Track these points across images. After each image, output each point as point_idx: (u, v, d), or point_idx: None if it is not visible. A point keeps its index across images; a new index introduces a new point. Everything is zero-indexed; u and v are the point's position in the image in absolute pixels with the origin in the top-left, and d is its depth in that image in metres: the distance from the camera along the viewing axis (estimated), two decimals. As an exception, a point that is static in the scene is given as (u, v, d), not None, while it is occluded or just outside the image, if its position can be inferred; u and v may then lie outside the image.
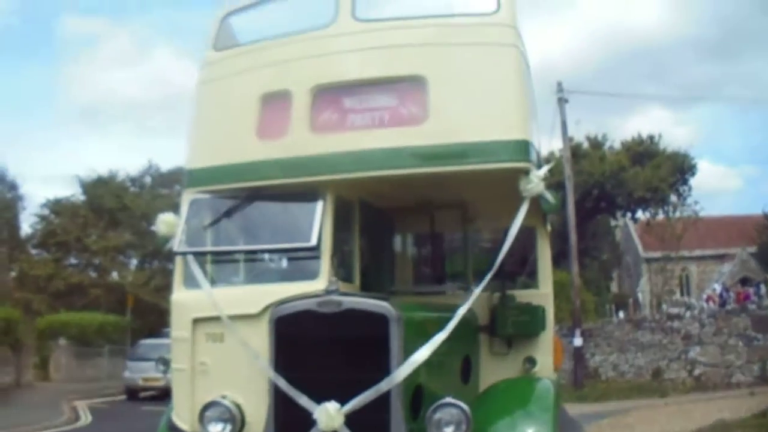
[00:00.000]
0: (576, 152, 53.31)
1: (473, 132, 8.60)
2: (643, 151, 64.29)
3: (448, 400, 7.93)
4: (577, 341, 35.89)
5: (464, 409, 7.84)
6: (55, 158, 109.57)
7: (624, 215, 70.19)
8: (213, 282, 9.36)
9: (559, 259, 34.18)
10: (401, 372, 7.80)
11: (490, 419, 8.41)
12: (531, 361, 10.02)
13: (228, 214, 9.31)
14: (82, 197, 56.46)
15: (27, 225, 56.95)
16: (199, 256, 9.43)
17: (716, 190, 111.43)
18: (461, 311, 8.26)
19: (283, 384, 8.09)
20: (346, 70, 9.09)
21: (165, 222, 9.46)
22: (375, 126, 8.90)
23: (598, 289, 61.61)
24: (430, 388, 8.41)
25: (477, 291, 8.50)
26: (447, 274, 11.59)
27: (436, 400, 8.01)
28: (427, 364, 8.25)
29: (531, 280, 10.70)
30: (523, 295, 10.15)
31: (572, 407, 11.98)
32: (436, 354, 8.32)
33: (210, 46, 9.93)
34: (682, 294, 74.99)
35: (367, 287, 9.44)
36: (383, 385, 7.75)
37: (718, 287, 66.90)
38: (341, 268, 8.97)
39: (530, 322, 9.96)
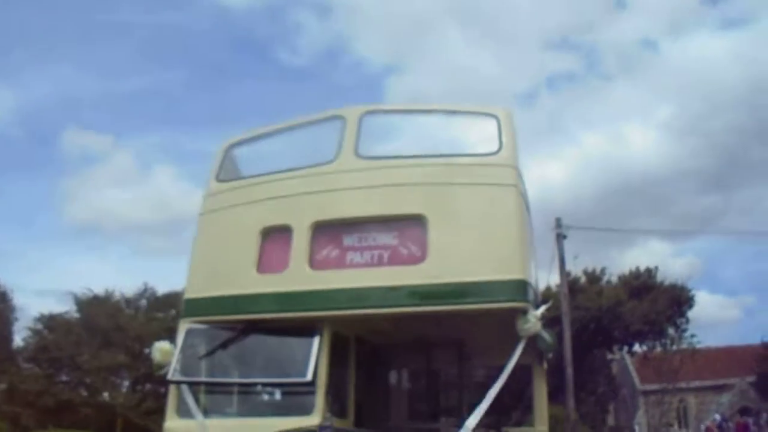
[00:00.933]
0: (573, 287, 53.26)
1: (472, 271, 8.64)
2: (640, 285, 64.13)
3: None
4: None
5: None
6: (51, 273, 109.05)
7: (621, 348, 69.83)
8: (206, 412, 9.26)
9: (556, 393, 33.96)
10: None
11: None
12: None
13: (224, 345, 9.26)
14: (76, 315, 56.18)
15: (19, 338, 56.68)
16: (194, 385, 9.36)
17: (715, 320, 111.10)
18: None
19: None
20: (347, 207, 9.18)
21: (160, 350, 9.44)
22: (374, 264, 8.96)
23: (595, 423, 61.03)
24: None
25: (471, 423, 8.42)
26: (442, 409, 11.49)
27: None
28: None
29: (526, 417, 10.58)
30: None
31: None
32: None
33: (213, 177, 10.03)
34: (680, 426, 74.39)
35: (362, 422, 9.40)
36: None
37: (717, 417, 66.45)
38: (336, 403, 8.91)
39: None
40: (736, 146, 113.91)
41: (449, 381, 11.80)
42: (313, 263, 9.04)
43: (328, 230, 9.16)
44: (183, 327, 9.50)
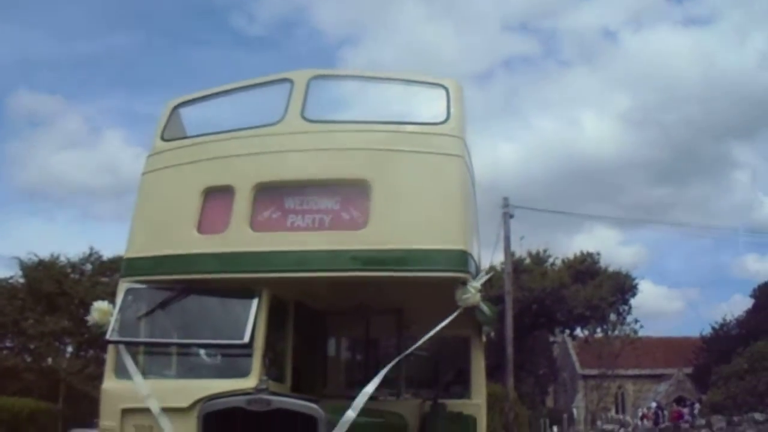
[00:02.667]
0: (518, 267, 53.49)
1: (413, 239, 8.68)
2: (584, 269, 64.58)
3: None
4: (512, 454, 35.58)
5: None
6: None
7: (562, 332, 70.32)
8: (145, 373, 9.25)
9: (495, 371, 34.13)
10: None
11: None
12: None
13: (163, 305, 9.23)
14: (21, 280, 55.75)
15: (-39, 304, 56.23)
16: (132, 346, 9.36)
17: (657, 311, 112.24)
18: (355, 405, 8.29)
19: None
20: (290, 169, 9.18)
21: (99, 310, 9.41)
22: (315, 228, 8.97)
23: (533, 403, 61.40)
24: None
25: (369, 389, 8.53)
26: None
27: None
28: None
29: (463, 390, 10.63)
30: (455, 405, 10.09)
31: None
32: None
33: (158, 136, 9.98)
34: (617, 411, 75.12)
35: (299, 388, 9.43)
36: None
37: (653, 404, 67.30)
38: (273, 367, 8.96)
39: (461, 430, 9.90)
40: (689, 141, 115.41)
41: (388, 350, 11.82)
42: (254, 225, 9.04)
43: (270, 192, 9.16)
44: (122, 287, 9.48)
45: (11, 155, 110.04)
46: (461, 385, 10.72)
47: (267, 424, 8.02)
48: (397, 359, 8.64)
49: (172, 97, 10.23)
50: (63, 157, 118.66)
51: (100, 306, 9.42)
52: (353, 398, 10.30)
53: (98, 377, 43.57)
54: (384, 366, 11.50)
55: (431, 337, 8.90)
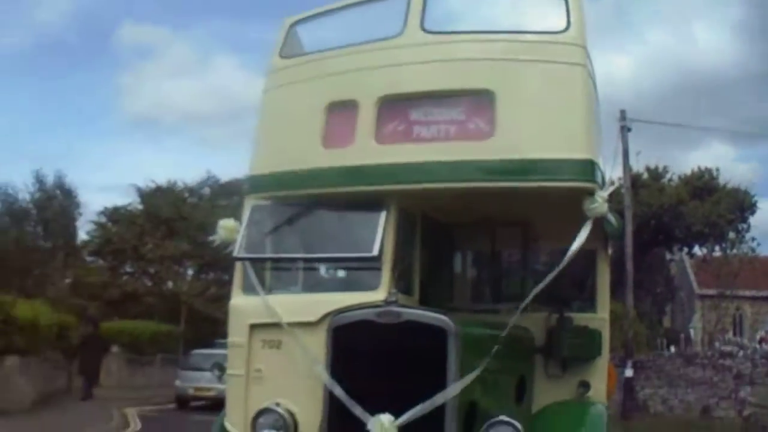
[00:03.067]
0: (635, 182, 52.70)
1: (539, 149, 8.51)
2: (702, 186, 63.61)
3: (502, 418, 7.86)
4: (628, 372, 35.20)
5: (518, 428, 7.78)
6: (112, 168, 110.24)
7: (681, 249, 69.45)
8: (272, 289, 9.39)
9: (614, 289, 33.72)
10: (457, 386, 7.74)
11: None
12: (585, 386, 9.79)
13: (289, 221, 9.31)
14: (139, 206, 56.74)
15: (83, 232, 57.37)
16: (259, 262, 9.46)
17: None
18: (512, 322, 8.22)
19: (339, 392, 8.06)
20: (413, 81, 9.04)
21: (225, 227, 9.46)
22: (440, 139, 8.84)
23: (651, 323, 61.01)
24: (484, 405, 8.32)
25: (525, 303, 8.48)
26: (504, 293, 11.46)
27: (489, 418, 7.94)
28: (482, 381, 8.21)
29: (588, 304, 10.52)
30: (580, 319, 9.95)
31: (619, 438, 11.85)
32: (491, 371, 8.28)
33: (276, 54, 9.94)
34: (734, 334, 73.95)
35: (425, 302, 9.38)
36: (438, 399, 7.70)
37: (772, 328, 66.08)
38: (401, 280, 8.89)
39: (586, 345, 9.80)
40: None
41: (513, 264, 11.74)
42: (379, 138, 8.95)
43: (394, 105, 9.04)
44: (248, 204, 9.53)
45: (123, 87, 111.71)
46: (586, 299, 10.60)
47: (396, 337, 8.00)
48: (553, 274, 8.40)
49: (280, 19, 10.17)
50: (174, 86, 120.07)
51: (226, 224, 9.46)
52: (478, 311, 10.28)
53: (219, 299, 44.62)
54: (509, 280, 11.46)
55: (555, 251, 8.80)
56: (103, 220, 56.74)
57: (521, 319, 8.56)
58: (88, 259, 57.58)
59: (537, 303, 8.87)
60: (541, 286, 8.44)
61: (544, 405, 9.61)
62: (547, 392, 9.77)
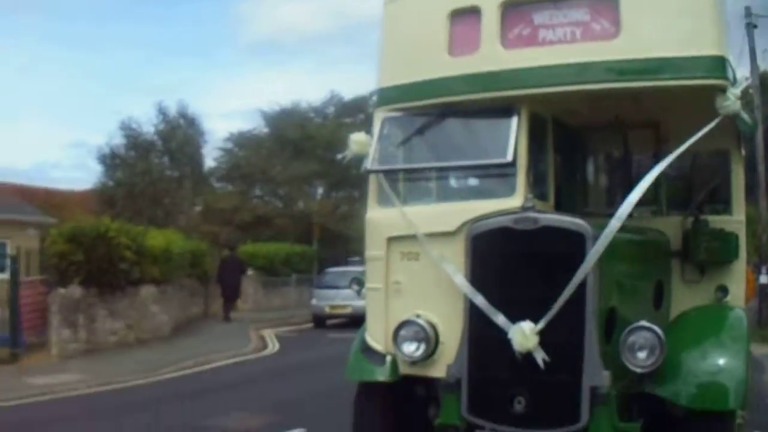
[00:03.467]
0: (764, 82, 51.30)
1: (668, 47, 8.24)
2: (833, 81, 61.75)
3: (643, 323, 7.78)
4: (763, 278, 34.26)
5: (659, 333, 7.68)
6: (235, 95, 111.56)
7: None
8: (406, 200, 9.34)
9: (746, 192, 32.60)
10: (595, 287, 7.68)
11: (681, 346, 8.11)
12: (723, 290, 9.53)
13: (420, 131, 9.22)
14: (265, 130, 57.23)
15: (210, 159, 58.10)
16: (392, 174, 9.43)
17: None
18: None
19: (480, 302, 8.04)
20: None
21: (357, 141, 9.42)
22: (567, 41, 8.63)
23: (783, 228, 59.76)
24: (622, 311, 8.25)
25: (633, 198, 8.20)
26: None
27: (628, 324, 7.87)
28: (620, 286, 8.22)
29: (724, 206, 10.27)
30: (716, 221, 9.69)
31: (755, 347, 11.56)
32: (629, 276, 8.32)
33: None
34: None
35: (559, 207, 9.27)
36: (566, 292, 7.63)
37: None
38: (535, 186, 8.77)
39: (723, 248, 9.53)
40: None
41: (645, 166, 11.54)
42: (505, 43, 8.78)
43: (517, 9, 8.83)
44: (378, 117, 9.47)
45: (241, 14, 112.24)
46: (721, 201, 10.37)
47: (534, 243, 7.95)
48: (663, 163, 8.26)
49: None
50: (292, 8, 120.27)
51: (357, 138, 9.42)
52: (612, 216, 10.15)
53: (350, 217, 45.00)
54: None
55: (688, 153, 8.58)
56: (230, 145, 57.43)
57: (656, 223, 8.45)
58: (217, 185, 58.49)
59: (671, 207, 8.68)
60: (653, 174, 8.29)
61: (681, 311, 9.41)
62: (684, 297, 9.58)
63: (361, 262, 13.14)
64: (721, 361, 8.07)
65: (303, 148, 53.42)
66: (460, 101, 8.94)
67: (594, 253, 7.70)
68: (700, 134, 8.14)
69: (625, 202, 8.12)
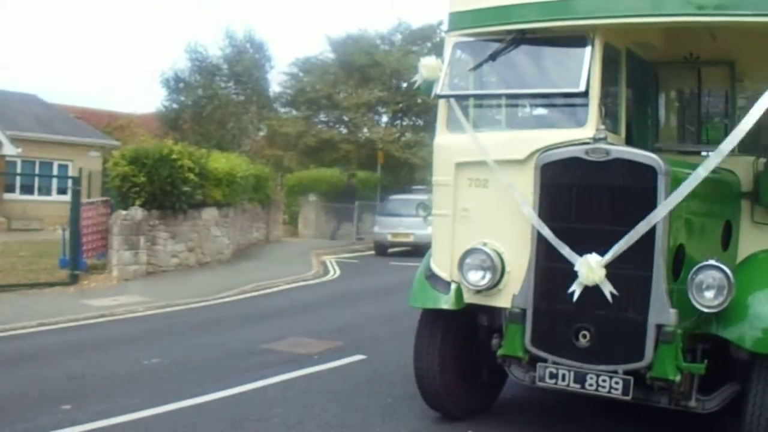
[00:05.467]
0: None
1: None
2: None
3: (712, 262, 7.62)
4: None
5: (728, 273, 7.53)
6: (302, 19, 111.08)
7: None
8: (477, 127, 9.21)
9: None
10: (656, 215, 7.54)
11: (748, 289, 7.91)
12: None
13: (492, 57, 8.97)
14: (331, 55, 57.02)
15: (276, 84, 58.03)
16: (462, 100, 9.28)
17: None
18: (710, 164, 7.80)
19: (546, 233, 7.98)
20: None
21: (427, 66, 9.27)
22: None
23: None
24: (690, 249, 8.13)
25: (724, 148, 7.81)
26: (709, 135, 11.06)
27: (696, 263, 7.73)
28: (689, 224, 8.10)
29: None
30: None
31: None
32: (698, 214, 8.18)
33: None
34: None
35: (630, 141, 9.16)
36: (641, 227, 7.54)
37: None
38: (607, 118, 8.60)
39: None
40: None
41: (718, 104, 11.31)
42: None
43: None
44: (449, 42, 9.31)
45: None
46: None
47: (604, 175, 7.83)
48: (763, 103, 7.94)
49: None
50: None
51: (428, 62, 9.27)
52: (684, 153, 9.93)
53: (414, 145, 45.01)
54: (713, 123, 11.03)
55: (758, 93, 8.36)
56: (295, 70, 57.29)
57: (727, 162, 8.22)
58: (282, 110, 58.41)
59: (741, 148, 8.47)
60: (749, 123, 7.82)
61: (750, 253, 9.17)
62: (753, 239, 9.32)
63: (425, 191, 13.03)
64: None
65: (369, 75, 53.07)
66: (534, 28, 8.75)
67: (683, 188, 7.60)
68: None
69: (726, 141, 7.83)
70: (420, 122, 53.71)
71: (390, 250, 36.08)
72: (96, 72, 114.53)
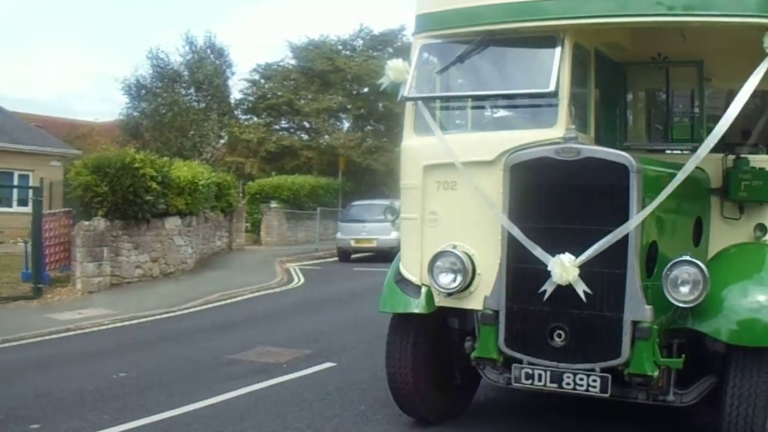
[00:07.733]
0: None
1: None
2: None
3: (687, 258, 7.65)
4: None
5: (703, 268, 7.57)
6: (262, 26, 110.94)
7: None
8: (444, 129, 9.17)
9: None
10: (637, 218, 7.55)
11: (722, 283, 7.97)
12: (762, 229, 9.36)
13: (460, 59, 8.92)
14: (292, 61, 57.01)
15: (236, 91, 57.98)
16: (430, 102, 9.21)
17: None
18: (689, 165, 7.80)
19: (517, 233, 7.92)
20: None
21: (394, 68, 9.18)
22: None
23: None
24: (663, 246, 8.16)
25: (701, 153, 7.87)
26: (677, 135, 11.10)
27: (668, 260, 7.77)
28: (661, 222, 8.11)
29: (765, 145, 10.13)
30: (757, 160, 9.51)
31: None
32: (669, 212, 8.18)
33: None
34: None
35: (599, 141, 9.16)
36: (619, 233, 7.51)
37: None
38: (577, 118, 8.57)
39: (764, 187, 9.27)
40: None
41: (685, 105, 11.37)
42: None
43: None
44: (416, 44, 9.25)
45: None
46: (762, 140, 10.20)
47: (575, 175, 7.79)
48: (739, 101, 7.83)
49: None
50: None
51: (395, 64, 9.18)
52: (653, 151, 9.96)
53: (376, 150, 45.02)
54: (682, 121, 11.07)
55: (731, 91, 8.41)
56: (256, 77, 57.20)
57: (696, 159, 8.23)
58: (243, 117, 58.32)
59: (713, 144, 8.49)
60: (721, 126, 7.86)
61: (720, 248, 9.26)
62: (723, 235, 9.42)
63: (388, 195, 13.00)
64: (762, 298, 7.96)
65: (330, 80, 53.18)
66: (502, 29, 8.70)
67: (664, 193, 7.65)
68: (758, 76, 7.82)
69: (705, 142, 7.89)
70: (382, 127, 53.79)
71: (353, 256, 35.94)
72: (56, 80, 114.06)
